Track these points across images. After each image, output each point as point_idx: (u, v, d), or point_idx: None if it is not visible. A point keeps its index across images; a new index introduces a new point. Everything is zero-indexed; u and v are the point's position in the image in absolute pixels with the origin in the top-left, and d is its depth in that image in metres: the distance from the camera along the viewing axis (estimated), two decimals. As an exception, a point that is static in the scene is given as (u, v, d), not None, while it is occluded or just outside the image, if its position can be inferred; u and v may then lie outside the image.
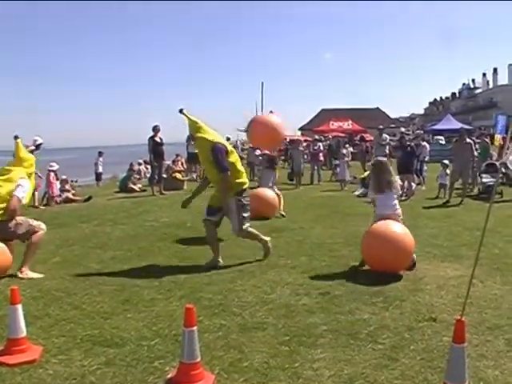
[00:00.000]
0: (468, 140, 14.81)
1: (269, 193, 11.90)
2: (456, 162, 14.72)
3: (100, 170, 25.05)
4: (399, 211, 7.20)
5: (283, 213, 12.00)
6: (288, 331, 4.79)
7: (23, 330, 4.29)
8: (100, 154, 25.44)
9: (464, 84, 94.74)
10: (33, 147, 13.40)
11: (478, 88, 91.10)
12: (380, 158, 8.34)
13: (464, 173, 14.50)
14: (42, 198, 15.29)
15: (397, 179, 7.78)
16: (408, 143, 16.25)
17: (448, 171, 15.62)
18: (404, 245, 6.63)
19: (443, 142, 34.38)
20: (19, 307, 4.30)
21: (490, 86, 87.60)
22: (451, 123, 43.13)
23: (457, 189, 16.03)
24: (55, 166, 16.04)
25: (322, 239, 8.97)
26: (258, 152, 21.57)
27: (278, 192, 12.50)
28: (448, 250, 8.08)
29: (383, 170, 7.31)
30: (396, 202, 7.24)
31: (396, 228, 6.81)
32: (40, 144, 13.61)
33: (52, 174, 15.68)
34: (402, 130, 21.69)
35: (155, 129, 16.20)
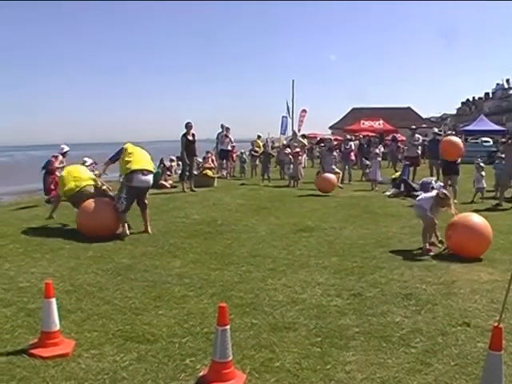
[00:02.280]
0: None
1: (330, 175, 16.88)
2: (507, 164, 14.23)
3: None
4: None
5: (341, 186, 17.56)
6: (319, 332, 4.76)
7: (57, 324, 4.34)
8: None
9: (498, 84, 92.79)
10: (60, 156, 13.93)
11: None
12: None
13: None
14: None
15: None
16: None
17: (483, 173, 15.32)
18: (486, 232, 7.79)
19: (490, 143, 33.89)
20: (53, 301, 4.35)
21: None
22: (485, 124, 42.52)
23: (489, 191, 15.76)
24: (89, 161, 16.19)
25: (354, 240, 8.91)
26: (287, 150, 21.51)
27: (338, 170, 18.19)
28: (481, 253, 7.94)
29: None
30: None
31: (477, 219, 7.97)
32: (67, 151, 14.24)
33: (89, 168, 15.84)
34: (436, 130, 21.28)
35: (188, 126, 16.22)
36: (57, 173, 13.37)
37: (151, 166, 9.43)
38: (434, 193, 8.41)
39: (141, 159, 9.27)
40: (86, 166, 15.38)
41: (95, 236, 8.64)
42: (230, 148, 21.76)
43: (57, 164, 13.73)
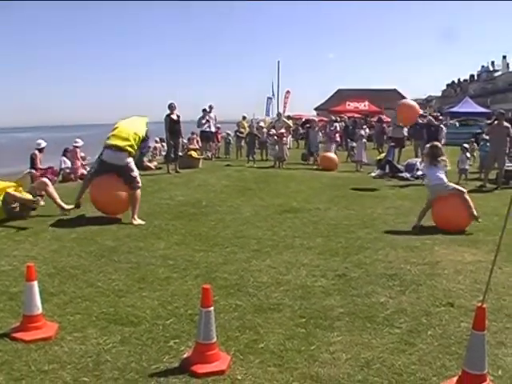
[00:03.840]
0: (506, 124, 14.10)
1: (332, 154, 19.44)
2: (491, 146, 14.31)
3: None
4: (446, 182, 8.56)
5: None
6: (304, 313, 4.76)
7: (39, 307, 4.29)
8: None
9: (483, 66, 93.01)
10: (36, 151, 14.11)
11: (497, 71, 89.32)
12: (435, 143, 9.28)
13: (499, 157, 13.94)
14: (57, 174, 15.27)
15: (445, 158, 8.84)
16: (432, 125, 15.82)
17: (468, 155, 15.36)
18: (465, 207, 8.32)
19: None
20: (35, 284, 4.28)
21: (510, 69, 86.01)
22: (470, 106, 42.65)
23: (473, 172, 15.84)
24: (80, 143, 16.11)
25: (338, 220, 8.92)
26: (272, 131, 21.45)
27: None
28: (465, 234, 7.98)
29: (437, 149, 8.74)
30: (443, 176, 8.57)
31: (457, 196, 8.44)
32: (44, 147, 14.42)
33: (78, 150, 15.78)
34: (421, 111, 21.43)
35: (171, 106, 16.09)
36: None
37: (123, 143, 8.87)
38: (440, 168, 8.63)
39: (112, 135, 9.05)
40: (77, 148, 15.59)
41: (108, 212, 8.89)
42: (213, 129, 21.40)
43: (39, 161, 14.20)
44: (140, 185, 9.04)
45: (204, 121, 20.69)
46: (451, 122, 36.96)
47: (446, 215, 8.31)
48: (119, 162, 8.80)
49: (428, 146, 9.07)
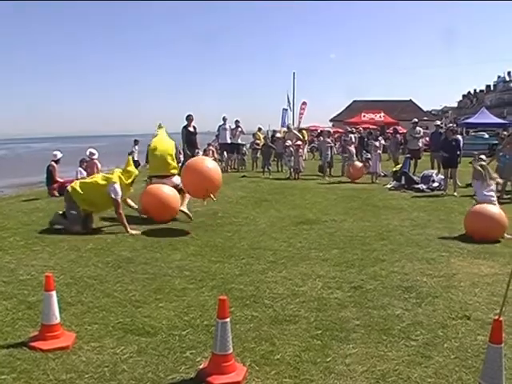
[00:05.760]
0: None
1: (360, 164, 18.87)
2: (511, 158, 14.30)
3: (136, 158, 24.84)
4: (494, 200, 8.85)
5: None
6: (320, 325, 4.76)
7: (57, 317, 4.34)
8: (136, 142, 25.47)
9: (499, 77, 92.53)
10: (53, 163, 14.21)
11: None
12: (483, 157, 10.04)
13: None
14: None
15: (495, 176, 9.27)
16: (453, 137, 15.76)
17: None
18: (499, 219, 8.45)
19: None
20: (53, 294, 4.34)
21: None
22: (486, 117, 42.35)
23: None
24: (96, 154, 16.26)
25: (354, 232, 8.91)
26: (288, 142, 21.47)
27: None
28: (482, 246, 7.92)
29: (483, 166, 9.06)
30: (493, 193, 8.92)
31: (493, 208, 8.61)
32: (59, 158, 14.52)
33: (96, 161, 15.92)
34: (438, 122, 21.36)
35: (188, 118, 16.21)
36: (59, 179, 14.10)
37: (166, 170, 10.22)
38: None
39: (155, 164, 10.47)
40: (96, 160, 15.72)
41: (160, 218, 9.60)
42: (228, 141, 21.61)
43: (56, 173, 14.32)
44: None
45: (225, 132, 21.12)
46: (474, 134, 36.82)
47: (479, 224, 8.44)
48: (168, 184, 10.05)
49: (476, 164, 9.31)
